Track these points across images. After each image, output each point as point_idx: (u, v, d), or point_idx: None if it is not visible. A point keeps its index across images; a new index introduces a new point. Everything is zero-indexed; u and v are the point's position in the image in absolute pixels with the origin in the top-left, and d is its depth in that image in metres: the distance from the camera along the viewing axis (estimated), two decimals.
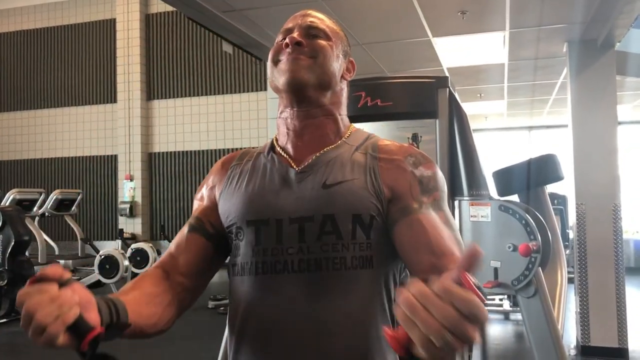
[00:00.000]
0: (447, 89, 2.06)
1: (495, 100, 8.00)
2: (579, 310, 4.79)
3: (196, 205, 1.21)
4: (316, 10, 1.20)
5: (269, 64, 1.15)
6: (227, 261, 1.18)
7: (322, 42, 1.14)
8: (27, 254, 8.14)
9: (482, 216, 1.93)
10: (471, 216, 1.95)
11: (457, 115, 2.03)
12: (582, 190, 4.84)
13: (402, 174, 1.08)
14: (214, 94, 11.12)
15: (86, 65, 11.86)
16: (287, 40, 1.11)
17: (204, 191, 1.21)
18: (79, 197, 10.21)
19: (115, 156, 11.58)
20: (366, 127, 2.22)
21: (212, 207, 1.17)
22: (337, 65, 1.15)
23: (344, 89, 1.21)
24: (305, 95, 1.11)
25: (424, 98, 2.06)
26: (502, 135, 11.42)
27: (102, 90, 11.78)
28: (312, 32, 1.14)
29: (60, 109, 12.00)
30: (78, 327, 0.82)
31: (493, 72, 6.16)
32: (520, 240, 1.84)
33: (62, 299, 0.81)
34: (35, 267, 8.50)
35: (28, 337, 0.81)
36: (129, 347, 4.63)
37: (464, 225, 1.99)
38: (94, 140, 11.82)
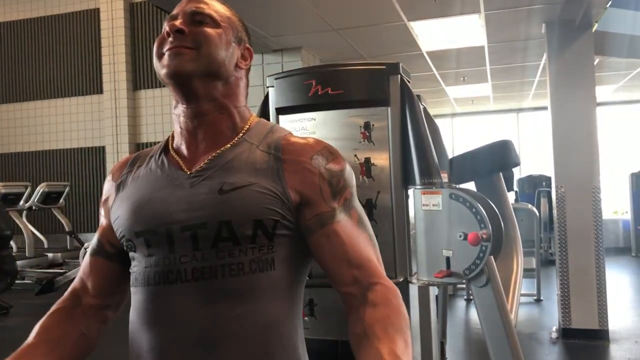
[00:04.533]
0: (399, 76, 2.01)
1: (479, 84, 7.95)
2: (559, 293, 4.79)
3: (101, 214, 1.16)
4: None
5: (154, 56, 1.07)
6: None
7: (208, 29, 1.05)
8: (15, 248, 8.12)
9: (433, 205, 1.89)
10: (423, 205, 1.91)
11: (409, 102, 1.99)
12: (561, 173, 4.81)
13: (310, 176, 1.03)
14: None
15: (71, 56, 11.74)
16: (167, 28, 1.04)
17: (102, 206, 1.16)
18: (67, 190, 10.17)
19: (103, 147, 11.51)
20: (318, 116, 2.18)
21: (109, 225, 1.12)
22: (227, 53, 1.07)
23: (241, 78, 1.12)
24: (191, 88, 1.03)
25: (376, 86, 2.01)
26: (490, 119, 11.37)
27: (87, 81, 11.68)
28: (197, 19, 1.06)
29: (46, 101, 11.90)
30: None
31: (474, 55, 6.10)
32: (471, 229, 1.81)
33: None
34: (24, 261, 8.50)
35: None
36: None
37: (416, 214, 1.96)
38: (81, 132, 11.74)
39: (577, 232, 4.74)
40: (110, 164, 11.31)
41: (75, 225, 10.87)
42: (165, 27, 1.05)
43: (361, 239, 1.04)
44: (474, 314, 6.05)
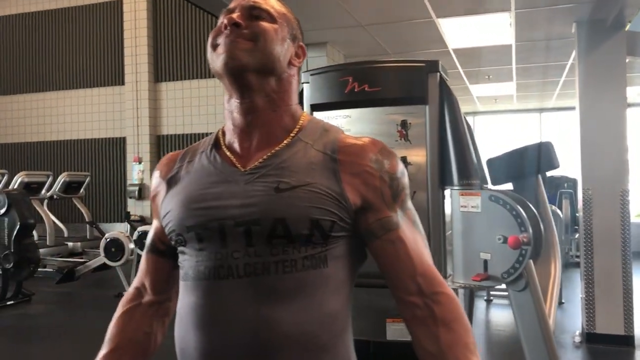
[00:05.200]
0: (438, 74, 1.98)
1: (504, 82, 7.86)
2: (584, 296, 4.72)
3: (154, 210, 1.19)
4: None
5: (208, 48, 1.06)
6: None
7: (265, 24, 1.04)
8: (36, 236, 8.21)
9: (472, 206, 1.86)
10: (461, 206, 1.88)
11: (447, 101, 1.95)
12: (589, 175, 4.73)
13: (372, 180, 1.02)
14: None
15: (93, 47, 11.81)
16: (225, 21, 1.03)
17: (152, 202, 1.18)
18: (87, 180, 10.25)
19: (124, 138, 11.57)
20: (353, 114, 2.15)
21: (159, 224, 1.13)
22: (282, 49, 1.06)
23: (293, 75, 1.11)
24: (246, 82, 1.02)
25: (414, 83, 1.98)
26: (512, 118, 11.25)
27: (109, 73, 11.74)
28: (254, 13, 1.05)
29: (68, 92, 11.99)
30: None
31: (501, 53, 6.03)
32: (510, 232, 1.77)
33: None
34: (44, 250, 8.59)
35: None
36: None
37: (453, 215, 1.93)
38: (102, 122, 11.81)
39: (604, 235, 4.66)
40: (131, 155, 11.38)
41: (94, 215, 10.95)
42: (222, 20, 1.04)
43: (420, 242, 1.05)
44: (494, 315, 6.00)
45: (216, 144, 1.11)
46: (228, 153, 1.07)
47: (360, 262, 1.09)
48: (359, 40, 5.25)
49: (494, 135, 11.09)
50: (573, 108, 5.02)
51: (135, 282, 1.21)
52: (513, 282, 1.79)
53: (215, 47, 1.04)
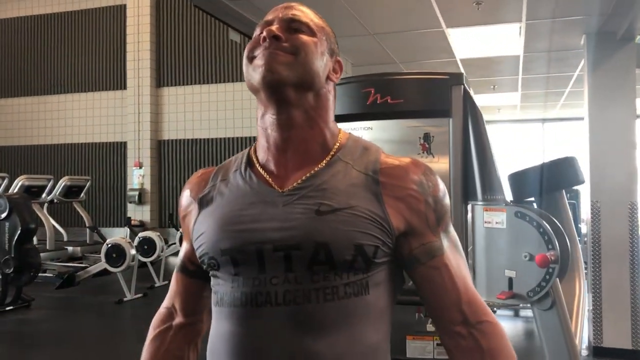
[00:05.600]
0: (462, 87, 1.94)
1: (509, 93, 7.85)
2: (591, 309, 4.68)
3: (182, 228, 1.14)
4: (301, 3, 1.05)
5: (244, 60, 1.01)
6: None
7: (305, 37, 1.00)
8: (35, 240, 8.14)
9: (496, 222, 1.82)
10: (485, 222, 1.84)
11: (472, 114, 1.92)
12: (597, 187, 4.70)
13: (416, 204, 0.98)
14: (224, 81, 11.03)
15: (96, 51, 11.80)
16: (264, 33, 0.98)
17: (182, 222, 1.12)
18: (88, 184, 10.19)
19: (125, 143, 11.54)
20: (375, 125, 2.12)
21: (190, 245, 1.09)
22: (322, 64, 1.01)
23: (330, 91, 1.05)
24: (284, 96, 0.97)
25: (437, 96, 1.95)
26: (515, 128, 11.25)
27: (111, 77, 11.72)
28: (293, 26, 1.00)
29: (70, 95, 11.97)
30: None
31: (507, 63, 6.02)
32: (537, 250, 1.74)
33: None
34: (44, 254, 8.52)
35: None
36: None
37: (477, 230, 1.89)
38: (104, 126, 11.79)
39: (612, 248, 4.63)
40: (132, 160, 11.35)
41: (94, 219, 10.89)
42: (259, 32, 1.01)
43: (463, 268, 1.01)
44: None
45: (249, 162, 1.05)
46: (263, 172, 1.02)
47: (399, 288, 1.04)
48: (368, 48, 5.23)
49: (496, 144, 11.07)
50: (578, 118, 5.00)
51: (166, 302, 1.18)
52: (539, 301, 1.75)
53: (251, 59, 0.99)
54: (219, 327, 0.99)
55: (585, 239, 5.00)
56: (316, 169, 0.99)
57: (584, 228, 5.52)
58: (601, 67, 4.76)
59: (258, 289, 0.93)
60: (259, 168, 1.03)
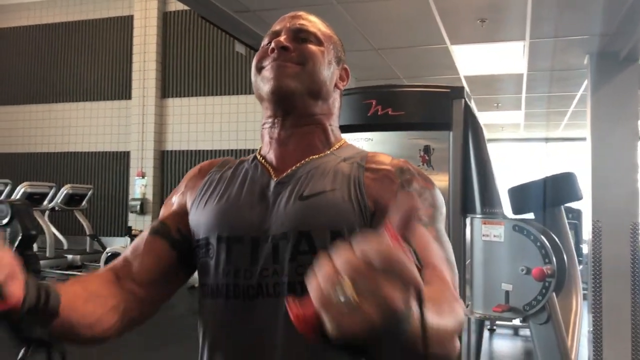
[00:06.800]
0: (463, 100, 1.96)
1: (512, 111, 7.87)
2: (592, 329, 4.65)
3: (162, 211, 1.08)
4: (308, 13, 1.09)
5: (252, 70, 1.04)
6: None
7: (312, 47, 1.03)
8: (35, 247, 8.14)
9: (494, 235, 1.82)
10: (483, 235, 1.85)
11: (472, 127, 1.93)
12: (599, 207, 4.68)
13: (389, 185, 0.96)
14: (228, 94, 11.08)
15: (102, 61, 11.87)
16: (272, 44, 1.01)
17: (174, 198, 1.09)
18: (90, 193, 10.21)
19: (128, 153, 11.57)
20: (375, 137, 2.13)
21: (181, 213, 1.05)
22: (329, 73, 1.04)
23: (337, 99, 1.09)
24: (292, 106, 1.00)
25: (438, 109, 1.96)
26: (518, 146, 11.26)
27: (116, 87, 11.78)
28: (301, 36, 1.03)
29: (75, 104, 12.02)
30: None
31: (511, 82, 6.03)
32: (534, 263, 1.73)
33: None
34: (43, 262, 8.51)
35: None
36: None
37: (475, 244, 1.89)
38: (107, 136, 11.82)
39: (613, 268, 4.60)
40: (134, 169, 11.37)
41: (95, 228, 10.88)
42: (267, 42, 1.03)
43: (434, 248, 0.89)
44: (497, 344, 5.92)
45: (255, 157, 1.08)
46: (265, 163, 1.04)
47: None
48: (371, 63, 5.26)
49: (499, 163, 11.09)
50: (580, 139, 5.01)
51: (115, 263, 1.01)
52: (535, 315, 1.75)
53: (260, 70, 1.02)
54: (210, 319, 0.98)
55: (587, 259, 4.98)
56: (307, 159, 1.02)
57: (585, 248, 5.50)
58: (604, 87, 4.78)
59: (250, 282, 0.93)
60: (261, 159, 1.06)
